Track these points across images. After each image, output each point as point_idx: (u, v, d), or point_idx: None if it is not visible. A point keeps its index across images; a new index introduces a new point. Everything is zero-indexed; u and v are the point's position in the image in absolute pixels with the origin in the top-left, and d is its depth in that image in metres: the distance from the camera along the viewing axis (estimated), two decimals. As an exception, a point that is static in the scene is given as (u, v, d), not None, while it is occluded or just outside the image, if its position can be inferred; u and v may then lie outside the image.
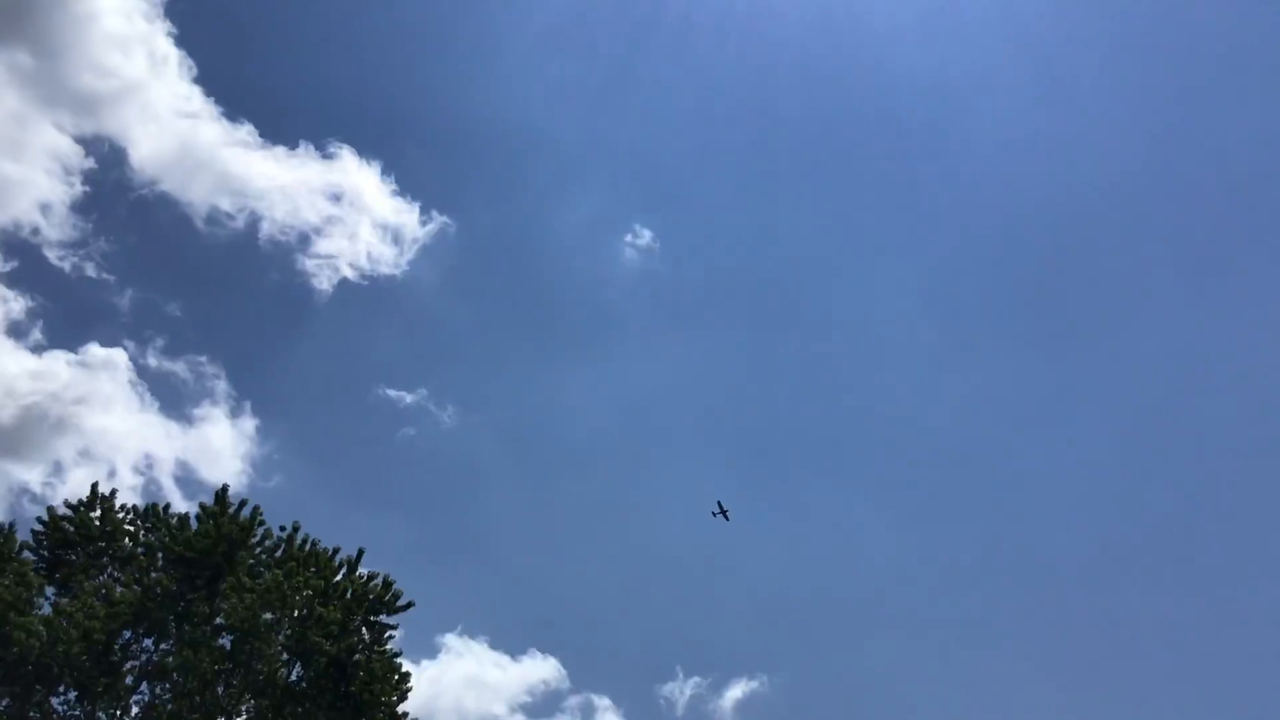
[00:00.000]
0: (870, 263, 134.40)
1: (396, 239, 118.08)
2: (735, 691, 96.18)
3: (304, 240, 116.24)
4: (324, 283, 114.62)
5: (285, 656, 38.99)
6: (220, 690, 37.86)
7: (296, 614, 39.15)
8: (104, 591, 38.86)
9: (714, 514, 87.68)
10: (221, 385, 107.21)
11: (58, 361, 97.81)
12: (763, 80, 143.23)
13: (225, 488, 40.74)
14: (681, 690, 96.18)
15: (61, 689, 36.99)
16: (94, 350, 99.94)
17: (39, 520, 40.18)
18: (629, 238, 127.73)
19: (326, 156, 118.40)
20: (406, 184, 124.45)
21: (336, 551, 41.39)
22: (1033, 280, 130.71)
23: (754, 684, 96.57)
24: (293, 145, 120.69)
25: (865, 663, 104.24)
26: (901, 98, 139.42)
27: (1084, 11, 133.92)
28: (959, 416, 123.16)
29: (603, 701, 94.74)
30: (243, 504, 41.12)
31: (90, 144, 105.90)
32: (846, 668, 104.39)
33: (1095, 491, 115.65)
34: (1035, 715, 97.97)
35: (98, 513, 40.73)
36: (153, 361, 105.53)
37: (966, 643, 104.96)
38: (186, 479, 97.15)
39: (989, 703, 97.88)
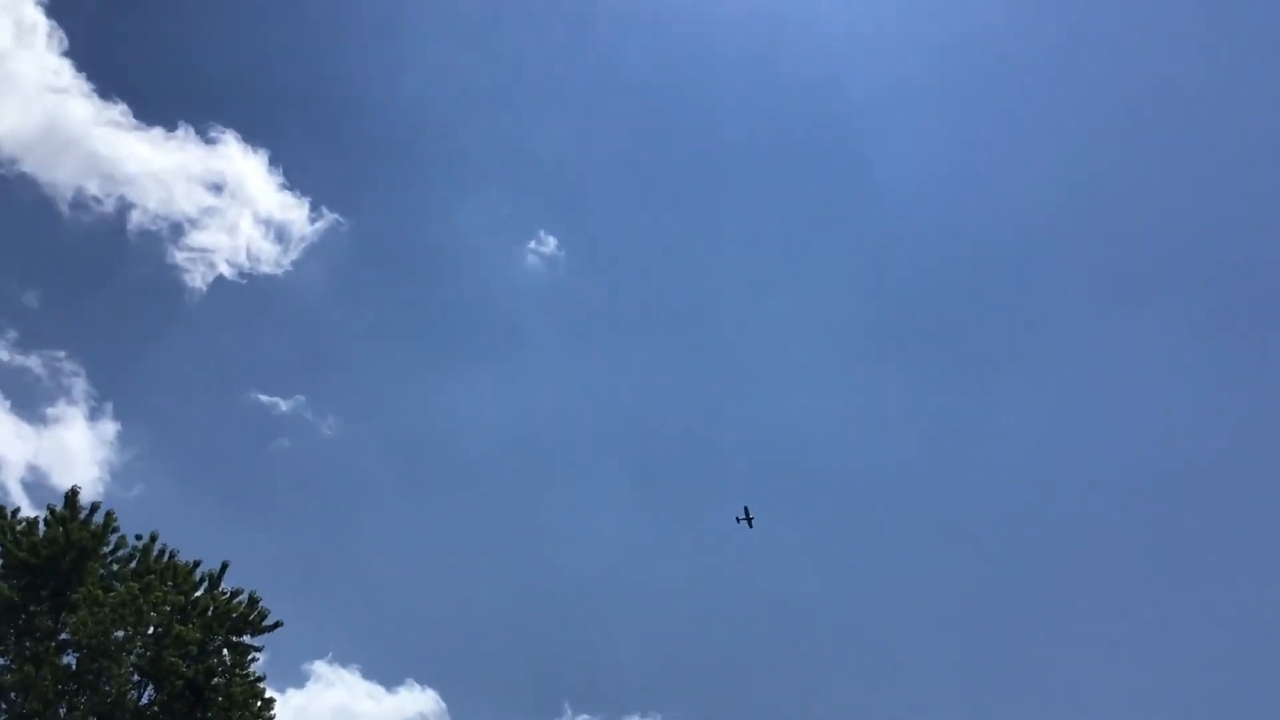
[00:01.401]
0: (779, 281, 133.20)
1: (281, 236, 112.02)
2: None
3: (177, 231, 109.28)
4: (198, 279, 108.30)
5: (136, 677, 35.85)
6: (63, 712, 34.56)
7: (151, 631, 36.10)
8: (-68, 600, 35.29)
9: (738, 520, 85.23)
10: (80, 384, 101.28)
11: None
12: (682, 88, 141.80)
13: (75, 490, 37.70)
14: None
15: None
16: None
17: None
18: (533, 244, 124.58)
19: (208, 141, 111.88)
20: (296, 177, 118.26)
21: (197, 565, 38.57)
22: (937, 309, 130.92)
23: None
24: (171, 127, 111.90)
25: (769, 703, 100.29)
26: (822, 116, 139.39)
27: (1015, 43, 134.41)
28: (861, 442, 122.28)
29: None
30: (94, 508, 37.92)
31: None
32: (748, 707, 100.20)
33: (993, 521, 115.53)
34: None
35: (-71, 514, 37.02)
36: (3, 355, 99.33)
37: (873, 679, 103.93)
38: (37, 485, 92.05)
39: None
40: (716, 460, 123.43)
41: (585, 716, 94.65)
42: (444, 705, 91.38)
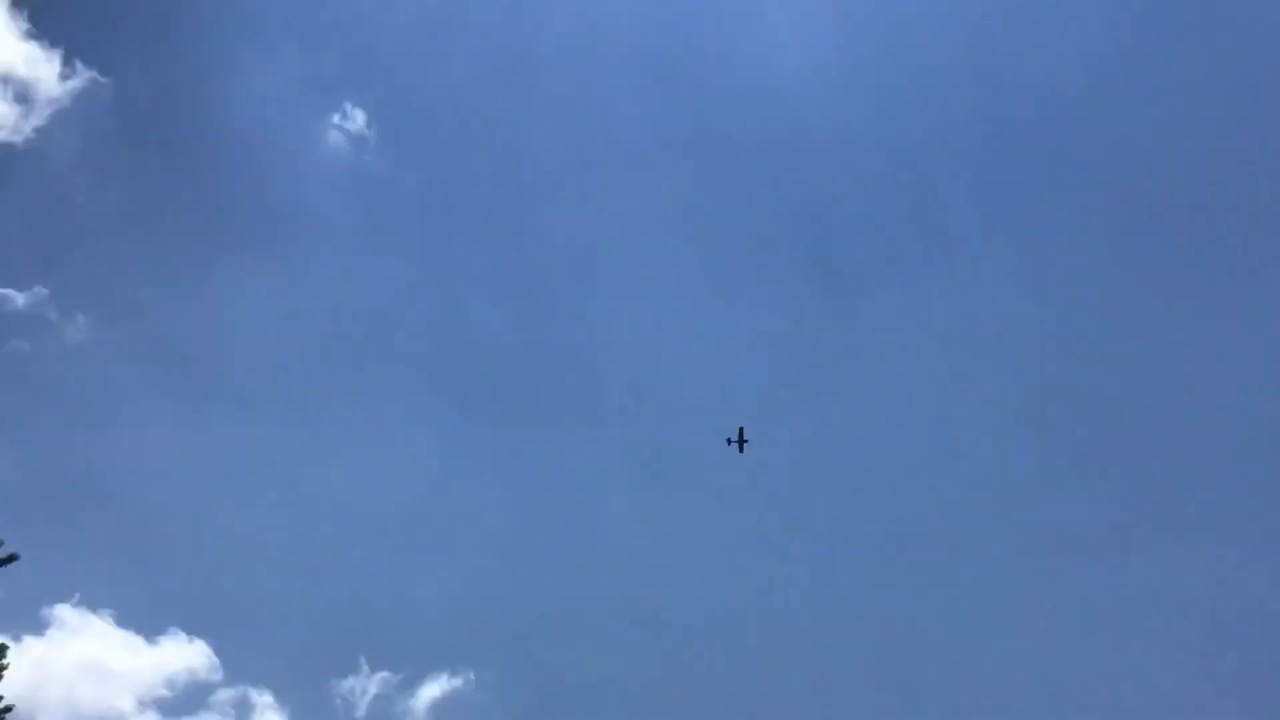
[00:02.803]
0: (627, 179, 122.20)
1: (24, 96, 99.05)
2: (432, 690, 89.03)
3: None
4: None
5: None
6: None
7: None
8: None
9: (729, 441, 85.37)
10: None
11: None
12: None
13: None
14: (364, 687, 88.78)
15: None
16: None
17: None
18: (337, 119, 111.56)
19: None
20: (45, 25, 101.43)
21: None
22: (814, 217, 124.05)
23: (456, 681, 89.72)
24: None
25: (593, 663, 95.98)
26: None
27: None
28: (716, 369, 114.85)
29: (264, 698, 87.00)
30: None
31: None
32: (571, 668, 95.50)
33: (866, 462, 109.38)
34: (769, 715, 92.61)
35: None
36: None
37: (705, 643, 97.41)
38: None
39: (719, 704, 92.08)
40: (539, 379, 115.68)
41: (385, 673, 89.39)
42: (217, 660, 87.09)
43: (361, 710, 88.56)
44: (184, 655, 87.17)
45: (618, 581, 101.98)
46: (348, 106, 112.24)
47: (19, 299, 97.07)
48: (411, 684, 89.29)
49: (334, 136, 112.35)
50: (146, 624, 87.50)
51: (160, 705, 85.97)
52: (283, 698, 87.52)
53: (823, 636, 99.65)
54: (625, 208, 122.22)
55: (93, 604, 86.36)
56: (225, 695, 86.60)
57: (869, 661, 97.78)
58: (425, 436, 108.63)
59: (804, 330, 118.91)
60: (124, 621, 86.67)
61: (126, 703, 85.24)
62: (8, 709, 37.87)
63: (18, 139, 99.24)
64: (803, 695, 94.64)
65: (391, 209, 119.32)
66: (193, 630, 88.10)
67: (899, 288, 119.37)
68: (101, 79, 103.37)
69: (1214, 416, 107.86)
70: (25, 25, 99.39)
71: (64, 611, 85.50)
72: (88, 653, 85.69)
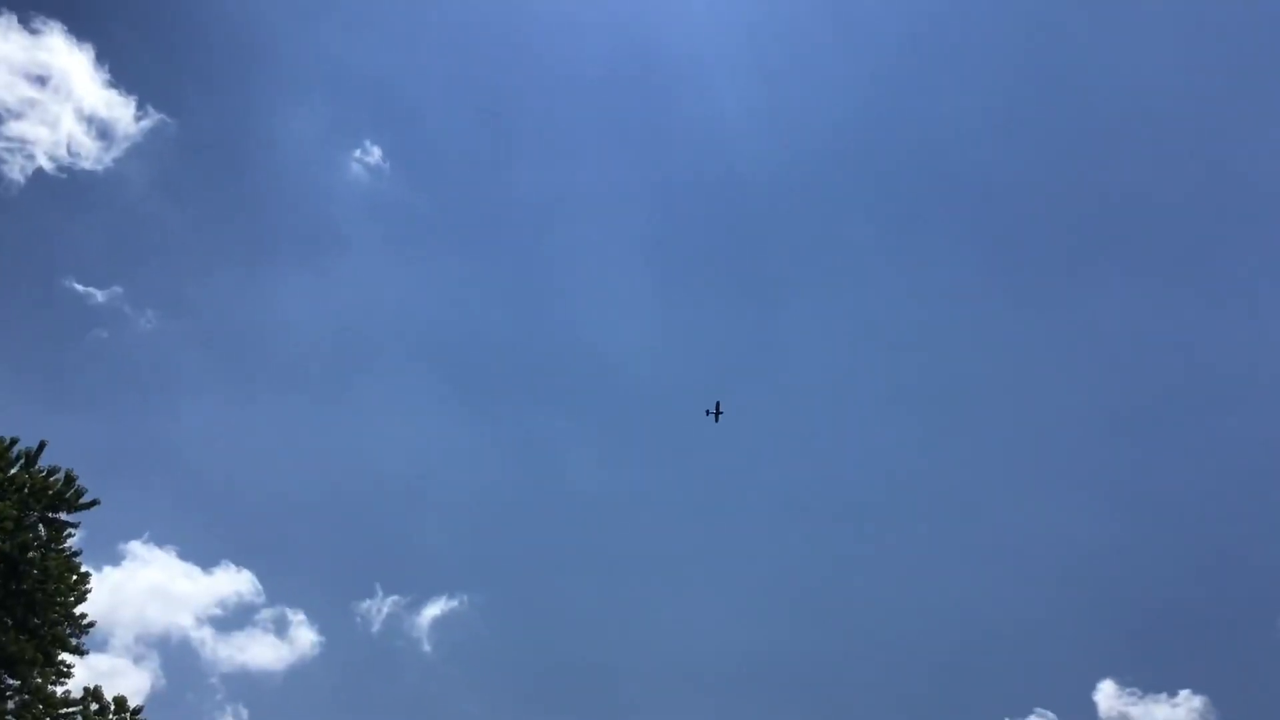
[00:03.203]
0: (597, 207, 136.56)
1: (105, 133, 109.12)
2: (434, 610, 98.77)
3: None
4: (15, 170, 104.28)
5: (-52, 550, 35.36)
6: None
7: (-37, 506, 35.74)
8: None
9: (708, 412, 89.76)
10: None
11: None
12: (509, 14, 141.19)
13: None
14: (379, 608, 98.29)
15: None
16: None
17: None
18: (358, 154, 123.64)
19: (32, 32, 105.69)
20: (122, 75, 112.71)
21: (14, 443, 38.58)
22: (746, 239, 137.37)
23: (453, 604, 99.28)
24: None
25: (565, 589, 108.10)
26: (648, 57, 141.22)
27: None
28: (667, 357, 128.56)
29: (297, 616, 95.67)
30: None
31: None
32: (547, 593, 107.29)
33: (788, 435, 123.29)
34: (735, 653, 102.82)
35: None
36: None
37: (667, 579, 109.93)
38: None
39: (689, 637, 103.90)
40: (524, 364, 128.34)
41: (396, 597, 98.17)
42: (260, 586, 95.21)
43: (377, 626, 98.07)
44: (234, 582, 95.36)
45: (585, 524, 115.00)
46: (367, 143, 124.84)
47: (99, 295, 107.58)
48: (417, 605, 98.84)
49: (355, 168, 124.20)
50: (203, 557, 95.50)
51: (214, 622, 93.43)
52: (313, 616, 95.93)
53: (752, 568, 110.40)
54: (594, 229, 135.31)
55: (159, 541, 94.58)
56: (266, 614, 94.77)
57: (792, 583, 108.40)
58: (430, 410, 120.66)
59: (734, 326, 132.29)
60: (185, 555, 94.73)
61: (187, 619, 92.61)
62: (91, 624, 39.40)
63: (99, 168, 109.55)
64: (738, 614, 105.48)
65: (402, 227, 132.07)
66: (241, 562, 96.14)
67: (809, 293, 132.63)
68: (169, 120, 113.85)
69: (1052, 395, 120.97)
70: (107, 75, 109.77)
71: (135, 547, 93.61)
72: (155, 580, 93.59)
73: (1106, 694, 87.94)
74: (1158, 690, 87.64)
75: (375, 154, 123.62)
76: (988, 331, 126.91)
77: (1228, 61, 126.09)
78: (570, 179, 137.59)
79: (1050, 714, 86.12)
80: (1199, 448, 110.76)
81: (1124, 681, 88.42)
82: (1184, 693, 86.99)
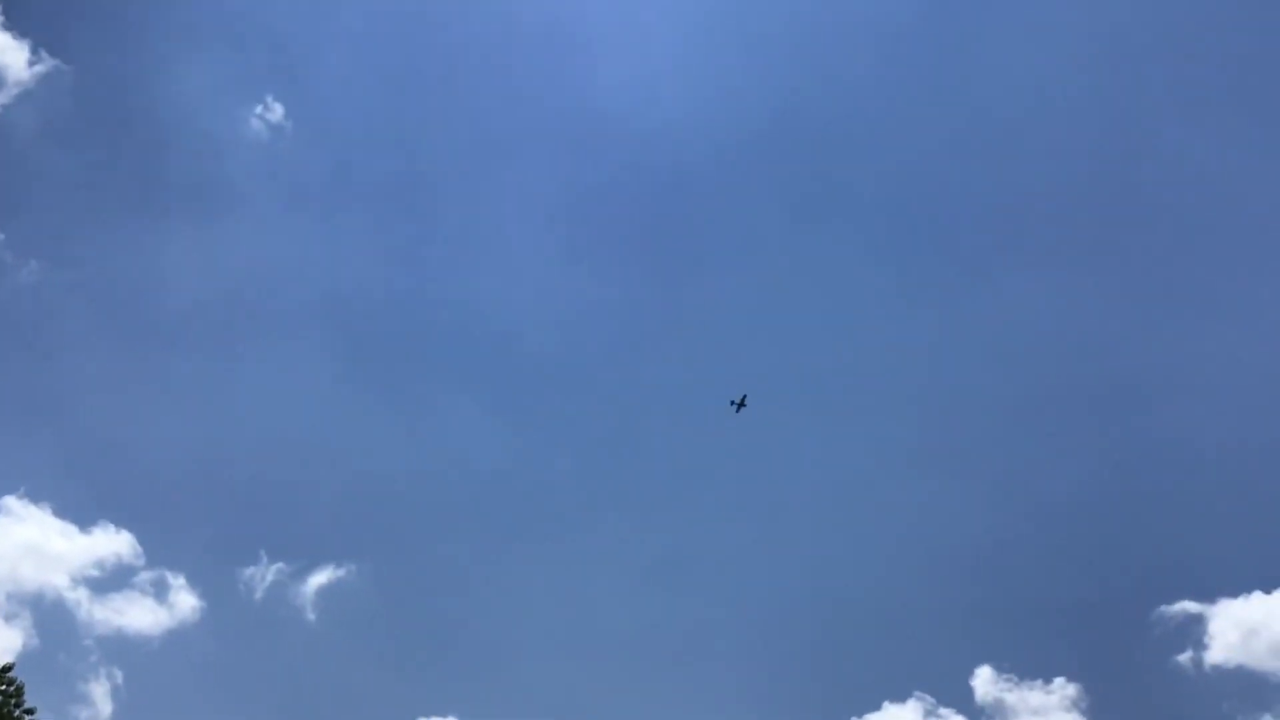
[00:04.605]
0: (503, 176, 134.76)
1: None
2: (320, 578, 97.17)
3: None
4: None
5: None
6: None
7: None
8: None
9: (732, 402, 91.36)
10: None
11: None
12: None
13: None
14: (263, 575, 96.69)
15: None
16: None
17: None
18: (259, 110, 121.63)
19: None
20: (17, 20, 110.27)
21: None
22: (651, 214, 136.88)
23: (340, 572, 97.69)
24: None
25: (454, 560, 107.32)
26: (562, 18, 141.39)
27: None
28: (565, 328, 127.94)
29: (178, 580, 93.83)
30: None
31: None
32: (436, 564, 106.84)
33: (682, 410, 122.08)
34: (618, 626, 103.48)
35: None
36: None
37: (556, 550, 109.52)
38: None
39: (576, 608, 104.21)
40: (420, 335, 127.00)
41: (281, 564, 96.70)
42: (140, 549, 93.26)
43: (260, 593, 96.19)
44: (112, 543, 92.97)
45: (474, 494, 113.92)
46: (269, 99, 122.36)
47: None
48: (302, 573, 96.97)
49: (255, 124, 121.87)
50: (80, 516, 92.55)
51: (90, 583, 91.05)
52: (195, 581, 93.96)
53: (639, 542, 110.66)
54: (499, 198, 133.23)
55: (34, 497, 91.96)
56: (146, 577, 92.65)
57: (676, 559, 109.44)
58: (322, 374, 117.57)
59: (636, 298, 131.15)
60: (61, 513, 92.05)
61: (61, 579, 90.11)
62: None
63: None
64: (622, 587, 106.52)
65: (301, 188, 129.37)
66: (120, 522, 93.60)
67: (713, 270, 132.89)
68: (65, 67, 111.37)
69: (941, 385, 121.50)
70: (1, 19, 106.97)
71: (10, 502, 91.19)
72: (29, 537, 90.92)
73: (984, 679, 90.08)
74: (1033, 677, 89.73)
75: (277, 111, 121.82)
76: (884, 320, 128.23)
77: (1133, 52, 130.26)
78: (476, 146, 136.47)
79: (929, 698, 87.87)
80: (1083, 443, 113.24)
81: (1001, 668, 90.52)
82: (1058, 680, 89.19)
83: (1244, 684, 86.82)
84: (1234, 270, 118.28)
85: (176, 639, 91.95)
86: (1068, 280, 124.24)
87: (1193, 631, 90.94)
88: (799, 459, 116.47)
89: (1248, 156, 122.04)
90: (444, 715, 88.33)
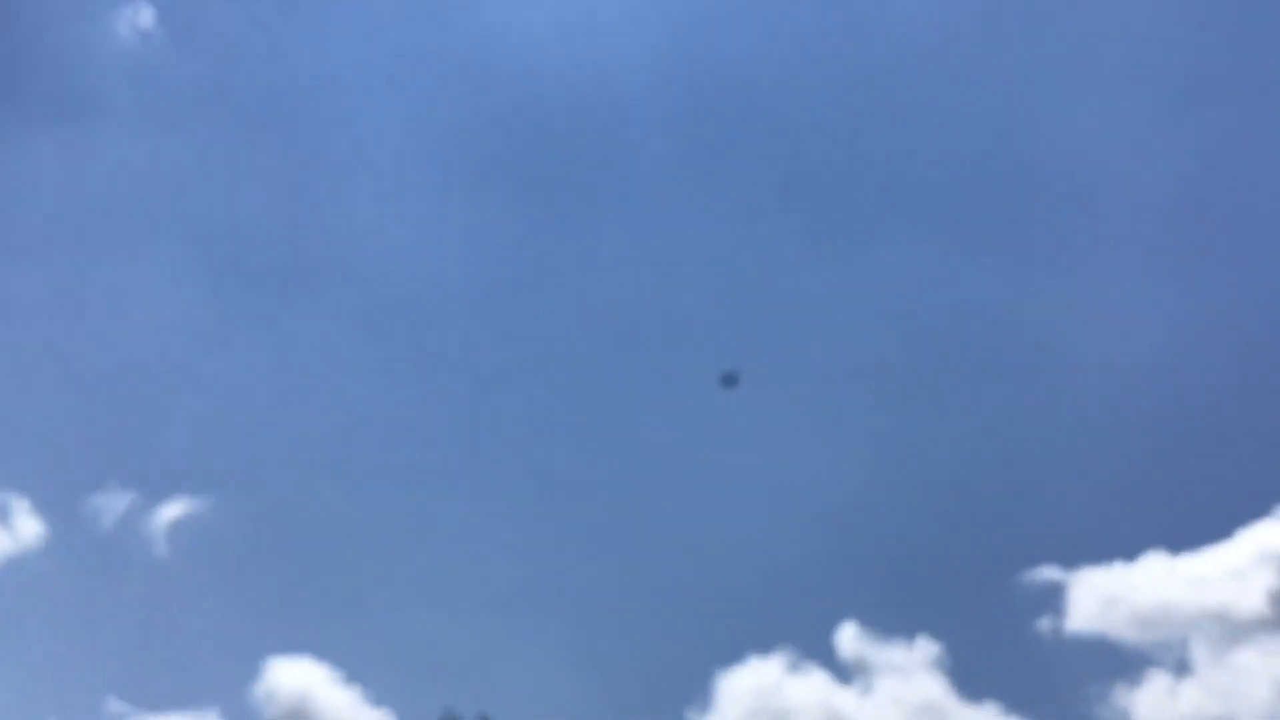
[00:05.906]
0: (387, 97, 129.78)
1: None
2: (172, 511, 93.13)
3: None
4: None
5: None
6: None
7: None
8: None
9: (725, 376, 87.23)
10: None
11: None
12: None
13: None
14: (112, 504, 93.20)
15: None
16: None
17: None
18: (128, 14, 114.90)
19: None
20: None
21: None
22: (540, 146, 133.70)
23: (195, 504, 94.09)
24: None
25: (317, 496, 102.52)
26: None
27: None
28: (444, 261, 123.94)
29: (23, 504, 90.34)
30: None
31: None
32: (298, 500, 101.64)
33: (556, 352, 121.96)
34: (489, 569, 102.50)
35: None
36: None
37: (429, 487, 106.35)
38: None
39: (442, 552, 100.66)
40: (290, 259, 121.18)
41: (132, 494, 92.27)
42: None
43: (108, 523, 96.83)
44: None
45: (342, 429, 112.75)
46: (138, 3, 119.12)
47: None
48: (152, 504, 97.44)
49: (123, 29, 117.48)
50: None
51: None
52: (39, 505, 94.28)
53: (513, 484, 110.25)
54: (381, 120, 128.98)
55: None
56: None
57: (544, 502, 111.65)
58: (184, 296, 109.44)
59: (523, 234, 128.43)
60: None
61: None
62: None
63: None
64: (494, 530, 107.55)
65: (170, 98, 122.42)
66: None
67: (597, 210, 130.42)
68: None
69: (824, 340, 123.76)
70: None
71: None
72: None
73: (848, 635, 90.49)
74: (896, 635, 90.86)
75: (147, 16, 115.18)
76: (772, 271, 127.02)
77: (1039, 19, 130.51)
78: (360, 65, 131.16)
79: (794, 651, 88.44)
80: (960, 407, 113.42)
81: (866, 624, 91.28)
82: (921, 639, 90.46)
83: (1102, 651, 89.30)
84: (1123, 243, 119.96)
85: (17, 566, 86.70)
86: (954, 245, 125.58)
87: (1054, 598, 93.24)
88: (677, 403, 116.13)
89: (1144, 127, 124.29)
90: (299, 655, 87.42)
